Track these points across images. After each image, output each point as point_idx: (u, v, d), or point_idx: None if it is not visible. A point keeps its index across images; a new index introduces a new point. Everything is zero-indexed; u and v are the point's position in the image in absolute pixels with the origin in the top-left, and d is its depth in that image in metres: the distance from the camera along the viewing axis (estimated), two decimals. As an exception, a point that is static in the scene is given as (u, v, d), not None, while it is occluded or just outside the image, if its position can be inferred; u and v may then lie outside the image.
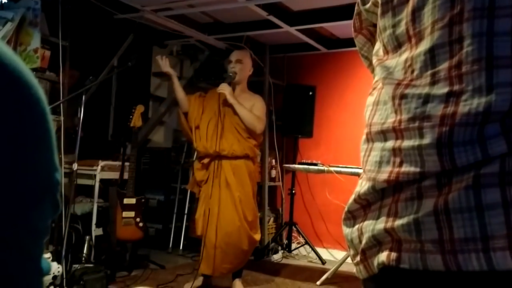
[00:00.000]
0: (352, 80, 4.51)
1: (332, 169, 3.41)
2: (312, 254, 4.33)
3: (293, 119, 4.44)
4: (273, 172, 4.62)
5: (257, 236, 3.17)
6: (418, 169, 0.53)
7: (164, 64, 3.12)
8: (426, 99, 0.53)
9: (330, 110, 4.62)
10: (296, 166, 3.83)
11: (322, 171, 3.48)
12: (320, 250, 4.36)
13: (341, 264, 3.56)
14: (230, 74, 3.11)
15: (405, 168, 0.54)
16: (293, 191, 4.46)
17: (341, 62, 4.56)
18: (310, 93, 4.46)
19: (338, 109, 4.59)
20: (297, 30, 3.93)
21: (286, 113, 4.47)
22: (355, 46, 0.81)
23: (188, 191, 4.35)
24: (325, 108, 4.61)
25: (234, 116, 3.07)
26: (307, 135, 4.47)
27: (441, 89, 0.52)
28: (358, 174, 3.27)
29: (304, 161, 3.83)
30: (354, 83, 4.48)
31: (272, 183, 4.60)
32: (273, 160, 4.62)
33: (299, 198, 4.63)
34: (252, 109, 3.09)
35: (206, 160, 3.11)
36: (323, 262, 4.18)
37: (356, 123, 4.36)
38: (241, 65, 3.15)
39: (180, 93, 3.15)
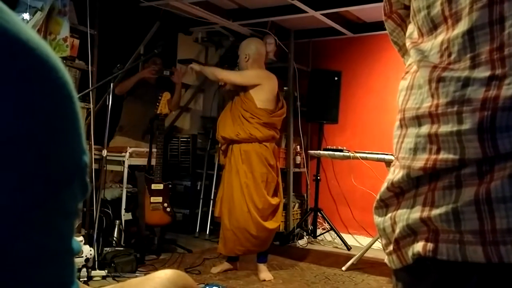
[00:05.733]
0: (378, 65, 4.42)
1: (358, 155, 3.38)
2: (337, 240, 4.33)
3: (318, 104, 4.40)
4: (298, 158, 4.60)
5: (270, 224, 3.12)
6: (457, 156, 0.51)
7: None
8: (466, 82, 0.51)
9: (356, 95, 4.56)
10: (321, 152, 3.80)
11: (348, 157, 3.45)
12: (345, 236, 4.35)
13: (366, 250, 3.55)
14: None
15: (443, 155, 0.52)
16: (318, 177, 4.45)
17: (368, 46, 4.47)
18: (336, 78, 4.41)
19: (364, 94, 4.53)
20: (322, 14, 3.86)
21: (311, 98, 4.43)
22: (381, 29, 0.79)
23: (214, 177, 4.41)
24: (351, 94, 4.55)
25: (240, 102, 3.16)
26: (333, 120, 4.43)
27: (482, 73, 0.50)
28: (384, 160, 3.23)
29: (329, 147, 3.80)
30: (381, 67, 4.39)
31: (297, 169, 4.59)
32: (298, 146, 4.61)
33: (324, 184, 4.61)
34: None
35: (223, 147, 3.25)
36: (348, 248, 4.17)
37: (383, 108, 4.29)
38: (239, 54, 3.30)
39: None
